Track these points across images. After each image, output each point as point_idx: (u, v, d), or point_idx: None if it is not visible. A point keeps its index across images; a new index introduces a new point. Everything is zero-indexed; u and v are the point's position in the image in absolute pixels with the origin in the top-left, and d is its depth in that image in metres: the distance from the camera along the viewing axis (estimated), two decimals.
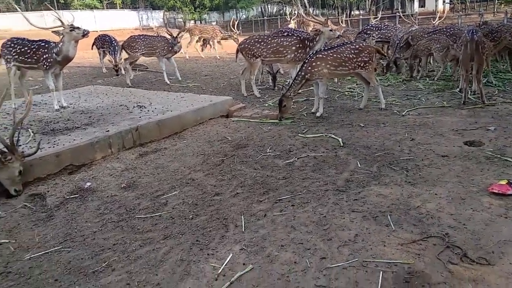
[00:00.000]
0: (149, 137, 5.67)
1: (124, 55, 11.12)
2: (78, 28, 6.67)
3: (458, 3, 41.10)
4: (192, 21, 43.81)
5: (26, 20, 6.96)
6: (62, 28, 6.67)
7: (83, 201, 4.00)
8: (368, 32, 10.73)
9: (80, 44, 6.95)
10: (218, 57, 16.36)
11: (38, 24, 6.83)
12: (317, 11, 45.86)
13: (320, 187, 3.90)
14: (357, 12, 47.55)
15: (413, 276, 2.52)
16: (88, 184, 4.38)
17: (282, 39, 7.79)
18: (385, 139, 5.16)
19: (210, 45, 17.88)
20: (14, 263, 3.01)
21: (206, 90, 9.27)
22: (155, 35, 13.46)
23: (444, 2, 41.09)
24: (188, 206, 3.73)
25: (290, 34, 8.09)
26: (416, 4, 43.78)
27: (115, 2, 49.95)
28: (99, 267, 2.89)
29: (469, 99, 6.65)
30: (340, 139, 5.19)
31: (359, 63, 6.33)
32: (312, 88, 7.06)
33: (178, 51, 10.53)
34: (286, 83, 7.49)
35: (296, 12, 20.46)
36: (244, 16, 48.73)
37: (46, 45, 6.83)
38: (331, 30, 7.39)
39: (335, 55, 6.24)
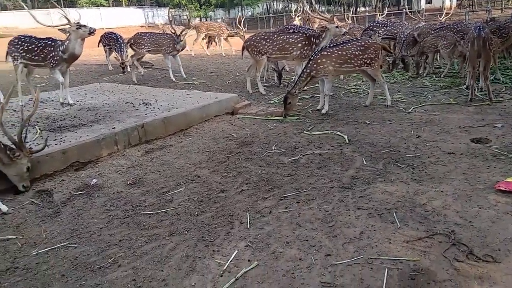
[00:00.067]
0: (155, 134, 5.69)
1: (130, 52, 11.14)
2: (84, 26, 6.70)
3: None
4: (198, 19, 43.82)
5: (32, 18, 6.99)
6: (68, 26, 6.70)
7: (89, 198, 4.02)
8: (374, 29, 10.66)
9: (86, 41, 6.98)
10: (224, 54, 16.35)
11: (45, 22, 6.86)
12: (322, 8, 45.69)
13: (325, 184, 3.90)
14: (363, 9, 47.32)
15: (419, 274, 2.52)
16: (94, 180, 4.41)
17: (288, 36, 7.77)
18: (391, 136, 5.14)
19: (216, 43, 17.86)
20: (21, 258, 3.04)
21: (211, 87, 9.28)
22: (161, 32, 13.47)
23: None
24: (193, 202, 3.75)
25: (296, 31, 8.06)
26: (422, 0, 43.45)
27: (120, 0, 50.06)
28: (105, 263, 2.91)
29: (476, 96, 6.60)
30: (345, 136, 5.18)
31: (365, 60, 6.29)
32: (317, 85, 7.05)
33: (181, 49, 10.52)
34: (292, 80, 7.49)
35: (301, 9, 20.39)
36: (250, 13, 48.61)
37: (53, 43, 6.87)
38: (337, 27, 7.37)
39: (340, 52, 6.21)
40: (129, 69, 11.65)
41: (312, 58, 6.24)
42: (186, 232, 3.24)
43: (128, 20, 44.14)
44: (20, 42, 7.09)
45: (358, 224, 3.14)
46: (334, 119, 6.11)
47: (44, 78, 12.20)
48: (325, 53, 6.20)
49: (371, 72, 6.47)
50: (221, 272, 2.70)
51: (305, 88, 6.89)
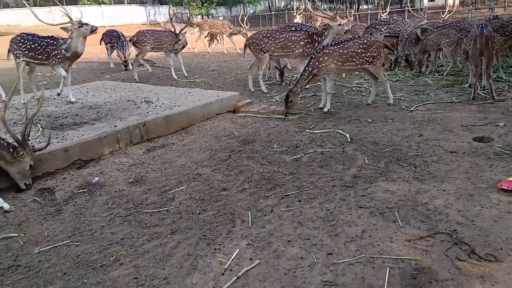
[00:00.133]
0: (157, 132, 5.69)
1: (133, 50, 11.12)
2: (86, 24, 6.70)
3: None
4: (199, 16, 43.79)
5: (34, 16, 6.99)
6: (70, 24, 6.70)
7: (91, 196, 4.03)
8: (377, 26, 10.63)
9: (88, 39, 6.99)
10: (225, 52, 16.34)
11: (46, 19, 6.86)
12: (324, 6, 45.60)
13: (327, 182, 3.90)
14: (365, 7, 47.19)
15: (420, 273, 2.51)
16: (96, 179, 4.41)
17: (290, 34, 7.75)
18: (393, 134, 5.13)
19: (218, 40, 17.84)
20: (23, 256, 3.05)
21: (213, 86, 9.27)
22: (162, 30, 13.46)
23: None
24: (195, 201, 3.75)
25: (298, 29, 8.05)
26: None
27: None
28: (107, 261, 2.92)
29: (478, 94, 6.58)
30: (347, 135, 5.17)
31: (367, 58, 6.27)
32: (319, 83, 7.03)
33: (182, 48, 10.49)
34: (294, 78, 7.47)
35: (302, 6, 20.33)
36: (252, 11, 48.58)
37: (55, 42, 6.87)
38: (339, 25, 7.34)
39: (342, 50, 6.19)
40: (131, 67, 11.64)
41: (314, 56, 6.23)
42: (188, 230, 3.25)
43: (130, 18, 44.13)
44: (22, 40, 7.09)
45: (360, 223, 3.14)
46: (336, 118, 6.10)
47: (46, 76, 12.21)
48: (327, 51, 6.18)
49: (373, 70, 6.45)
50: (223, 270, 2.70)
51: (307, 86, 6.88)
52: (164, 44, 10.24)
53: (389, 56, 9.86)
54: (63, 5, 9.00)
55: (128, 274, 2.75)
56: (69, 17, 6.69)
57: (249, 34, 10.28)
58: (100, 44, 13.78)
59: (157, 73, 11.81)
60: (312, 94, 7.76)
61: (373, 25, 10.86)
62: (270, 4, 53.04)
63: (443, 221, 3.06)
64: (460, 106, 6.22)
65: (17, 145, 4.14)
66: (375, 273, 2.54)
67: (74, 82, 9.52)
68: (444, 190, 3.55)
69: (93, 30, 6.74)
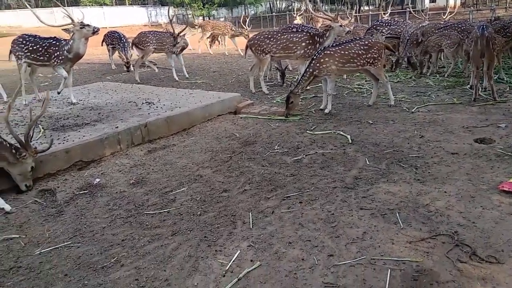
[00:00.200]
0: (158, 134, 5.70)
1: (135, 52, 11.11)
2: (88, 25, 6.71)
3: None
4: (201, 17, 43.83)
5: (36, 17, 7.01)
6: (72, 25, 6.71)
7: (92, 197, 4.04)
8: (378, 27, 10.63)
9: (89, 40, 6.99)
10: (227, 54, 16.35)
11: (48, 20, 6.86)
12: (326, 7, 45.62)
13: (328, 184, 3.89)
14: (366, 8, 47.18)
15: (422, 274, 2.51)
16: (97, 180, 4.42)
17: (292, 35, 7.75)
18: (394, 136, 5.12)
19: (219, 42, 17.86)
20: (24, 258, 3.05)
21: (214, 87, 9.27)
22: (164, 31, 13.48)
23: None
24: (196, 202, 3.75)
25: (299, 30, 8.05)
26: None
27: None
28: (108, 262, 2.92)
29: (480, 96, 6.57)
30: (348, 136, 5.16)
31: (368, 60, 6.27)
32: (320, 84, 7.03)
33: (180, 50, 10.44)
34: (295, 79, 7.47)
35: (303, 7, 20.34)
36: (253, 12, 48.59)
37: (57, 43, 6.88)
38: (341, 26, 7.34)
39: (343, 52, 6.19)
40: (132, 68, 11.65)
41: (315, 57, 6.23)
42: (189, 232, 3.25)
43: (131, 19, 44.16)
44: (24, 42, 7.10)
45: (361, 224, 3.14)
46: (337, 119, 6.10)
47: (47, 77, 12.23)
48: (328, 52, 6.19)
49: (374, 72, 6.45)
50: (224, 272, 2.70)
51: (308, 87, 6.88)
52: (165, 45, 10.25)
53: (390, 57, 9.86)
54: (64, 6, 9.01)
55: (129, 275, 2.75)
56: (70, 18, 6.71)
57: (250, 36, 10.29)
58: (102, 45, 13.81)
59: (158, 74, 11.82)
60: (313, 95, 7.76)
61: (375, 26, 10.85)
62: (271, 6, 53.07)
63: (444, 223, 3.06)
64: (461, 108, 6.22)
65: (19, 146, 4.15)
66: (376, 275, 2.54)
67: (75, 83, 9.54)
68: (445, 192, 3.55)
69: (95, 31, 6.75)
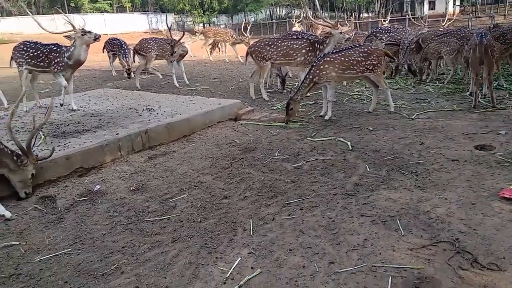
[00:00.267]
0: (158, 140, 5.71)
1: (137, 59, 11.13)
2: (89, 32, 6.75)
3: (468, 6, 40.80)
4: (201, 24, 44.04)
5: (37, 24, 7.04)
6: (73, 32, 6.74)
7: (92, 204, 4.03)
8: (378, 34, 10.68)
9: (90, 47, 7.02)
10: (227, 60, 16.41)
11: (49, 27, 6.90)
12: (325, 14, 45.85)
13: (328, 191, 3.89)
14: (366, 15, 47.43)
15: (423, 282, 2.50)
16: (98, 186, 4.42)
17: (292, 42, 7.79)
18: (394, 143, 5.13)
19: (219, 48, 17.93)
20: (24, 265, 3.04)
21: (215, 93, 9.30)
22: (165, 38, 13.55)
23: (454, 4, 40.82)
24: (196, 209, 3.74)
25: (300, 37, 8.09)
26: (426, 6, 43.54)
27: (125, 6, 50.41)
28: (108, 269, 2.91)
29: (479, 102, 6.59)
30: (349, 143, 5.17)
31: (368, 66, 6.30)
32: (320, 91, 7.05)
33: (175, 60, 10.43)
34: (295, 86, 7.49)
35: (302, 15, 20.44)
36: (253, 19, 48.85)
37: (58, 49, 6.91)
38: (341, 33, 7.38)
39: (343, 58, 6.22)
40: (133, 75, 11.69)
41: (314, 64, 6.26)
42: (189, 239, 3.24)
43: (132, 26, 44.42)
44: (25, 48, 7.13)
45: (362, 231, 3.13)
46: (337, 126, 6.11)
47: (48, 83, 12.27)
48: (328, 59, 6.21)
49: (374, 78, 6.47)
50: (224, 279, 2.69)
51: (308, 94, 6.90)
52: (167, 52, 10.29)
53: (390, 64, 9.90)
54: (65, 13, 9.06)
55: (129, 282, 2.74)
56: (72, 25, 6.74)
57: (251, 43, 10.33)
58: (103, 52, 13.86)
59: (159, 81, 11.86)
60: (313, 102, 7.78)
61: (374, 33, 10.91)
62: (271, 13, 53.36)
63: (445, 230, 3.05)
64: (461, 114, 6.23)
65: (20, 153, 4.14)
66: (377, 282, 2.53)
67: (76, 90, 9.56)
68: (446, 199, 3.54)
69: (96, 38, 6.78)
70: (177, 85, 10.37)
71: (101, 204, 4.01)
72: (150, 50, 10.28)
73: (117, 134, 5.40)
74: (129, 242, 3.26)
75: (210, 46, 17.43)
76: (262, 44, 8.00)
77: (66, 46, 6.97)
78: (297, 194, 3.86)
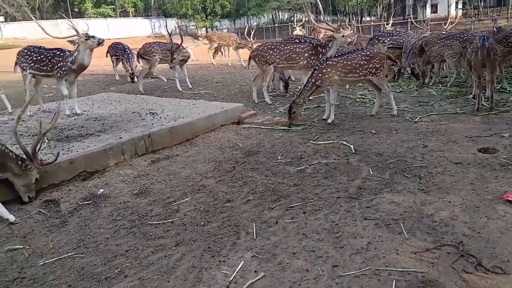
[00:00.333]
0: (161, 144, 5.72)
1: (140, 63, 11.16)
2: (93, 37, 6.78)
3: (471, 9, 40.78)
4: (204, 29, 44.20)
5: (41, 29, 7.09)
6: (77, 37, 6.78)
7: (96, 208, 4.04)
8: (380, 38, 10.69)
9: (94, 52, 7.06)
10: (230, 64, 16.44)
11: (53, 32, 6.96)
12: (327, 18, 45.96)
13: (332, 194, 3.89)
14: (368, 18, 47.49)
15: (427, 285, 2.49)
16: (101, 190, 4.42)
17: (295, 46, 7.80)
18: (398, 146, 5.12)
19: (221, 52, 17.98)
20: (28, 268, 3.05)
21: (217, 97, 9.31)
22: (168, 42, 13.60)
23: (456, 7, 40.82)
24: (199, 212, 3.75)
25: (302, 41, 8.11)
26: (428, 10, 43.57)
27: (128, 11, 50.68)
28: (112, 273, 2.91)
29: (482, 105, 6.57)
30: (351, 146, 5.17)
31: (370, 70, 6.30)
32: (323, 94, 7.06)
33: (175, 66, 10.41)
34: (298, 89, 7.50)
35: (304, 18, 20.48)
36: (255, 23, 48.99)
37: (61, 54, 6.95)
38: (343, 37, 7.39)
39: (345, 62, 6.23)
40: (136, 79, 11.72)
41: (317, 67, 6.26)
42: (193, 242, 3.24)
43: (135, 31, 44.63)
44: (29, 53, 7.17)
45: (365, 234, 3.13)
46: (340, 129, 6.10)
47: (52, 88, 12.31)
48: (330, 62, 6.22)
49: (377, 82, 6.47)
50: (228, 283, 2.69)
51: (311, 97, 6.90)
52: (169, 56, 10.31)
53: (393, 67, 9.90)
54: (69, 18, 9.12)
55: (132, 286, 2.75)
56: (75, 30, 6.78)
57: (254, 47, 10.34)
58: (106, 56, 13.91)
59: (162, 85, 11.89)
60: (316, 105, 7.78)
61: (377, 37, 10.92)
62: (274, 17, 53.50)
63: (449, 233, 3.04)
64: (464, 117, 6.22)
65: (25, 157, 4.16)
66: (381, 286, 2.53)
67: (79, 94, 9.59)
68: (449, 202, 3.53)
69: (100, 42, 6.82)
70: (180, 89, 10.40)
71: (105, 208, 4.01)
72: (154, 54, 10.32)
73: (121, 138, 5.42)
74: (133, 245, 3.27)
75: (213, 50, 17.48)
76: (265, 48, 8.02)
77: (69, 51, 7.00)
78: (300, 198, 3.86)
